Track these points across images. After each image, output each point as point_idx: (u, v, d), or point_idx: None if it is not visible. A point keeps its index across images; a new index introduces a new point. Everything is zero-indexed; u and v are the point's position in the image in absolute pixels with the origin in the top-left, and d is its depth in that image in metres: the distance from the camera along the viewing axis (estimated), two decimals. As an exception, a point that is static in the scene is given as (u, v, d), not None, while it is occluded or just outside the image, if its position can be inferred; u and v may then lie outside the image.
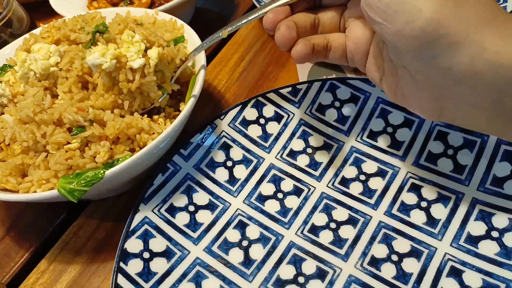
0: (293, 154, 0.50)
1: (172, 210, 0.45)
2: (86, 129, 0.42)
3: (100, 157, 0.41)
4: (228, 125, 0.51)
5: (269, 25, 0.41)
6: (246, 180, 0.48)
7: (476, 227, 0.42)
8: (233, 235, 0.44)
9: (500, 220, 0.42)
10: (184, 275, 0.42)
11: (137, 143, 0.43)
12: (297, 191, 0.47)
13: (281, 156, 0.50)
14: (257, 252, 0.43)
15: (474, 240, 0.41)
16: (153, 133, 0.44)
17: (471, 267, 0.40)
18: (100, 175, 0.39)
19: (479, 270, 0.39)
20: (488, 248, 0.40)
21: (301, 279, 0.41)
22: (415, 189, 0.45)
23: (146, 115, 0.45)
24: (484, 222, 0.42)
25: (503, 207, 0.42)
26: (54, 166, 0.41)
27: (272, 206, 0.46)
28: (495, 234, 0.41)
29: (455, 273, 0.40)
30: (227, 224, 0.45)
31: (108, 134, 0.42)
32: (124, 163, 0.40)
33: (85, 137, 0.42)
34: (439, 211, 0.43)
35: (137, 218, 0.44)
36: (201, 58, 0.49)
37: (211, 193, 0.47)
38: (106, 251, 0.47)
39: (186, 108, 0.44)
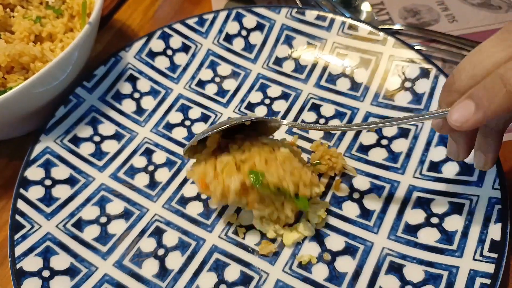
0: (201, 83, 0.50)
1: (76, 141, 0.45)
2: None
3: (-10, 86, 0.40)
4: (134, 57, 0.51)
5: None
6: (154, 110, 0.49)
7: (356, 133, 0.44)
8: (139, 161, 0.45)
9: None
10: (88, 200, 0.42)
11: (32, 72, 0.43)
12: (204, 118, 0.48)
13: (189, 86, 0.50)
14: (162, 175, 0.44)
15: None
16: (48, 62, 0.43)
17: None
18: (-11, 102, 0.39)
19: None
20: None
21: (203, 196, 0.42)
22: (315, 108, 0.47)
23: (39, 43, 0.44)
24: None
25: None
26: None
27: (179, 133, 0.47)
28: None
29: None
30: (134, 152, 0.46)
31: (-1, 62, 0.41)
32: (16, 89, 0.39)
33: (-27, 66, 0.41)
34: (334, 121, 0.46)
35: (38, 148, 0.44)
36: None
37: (117, 124, 0.47)
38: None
39: (80, 34, 0.43)
